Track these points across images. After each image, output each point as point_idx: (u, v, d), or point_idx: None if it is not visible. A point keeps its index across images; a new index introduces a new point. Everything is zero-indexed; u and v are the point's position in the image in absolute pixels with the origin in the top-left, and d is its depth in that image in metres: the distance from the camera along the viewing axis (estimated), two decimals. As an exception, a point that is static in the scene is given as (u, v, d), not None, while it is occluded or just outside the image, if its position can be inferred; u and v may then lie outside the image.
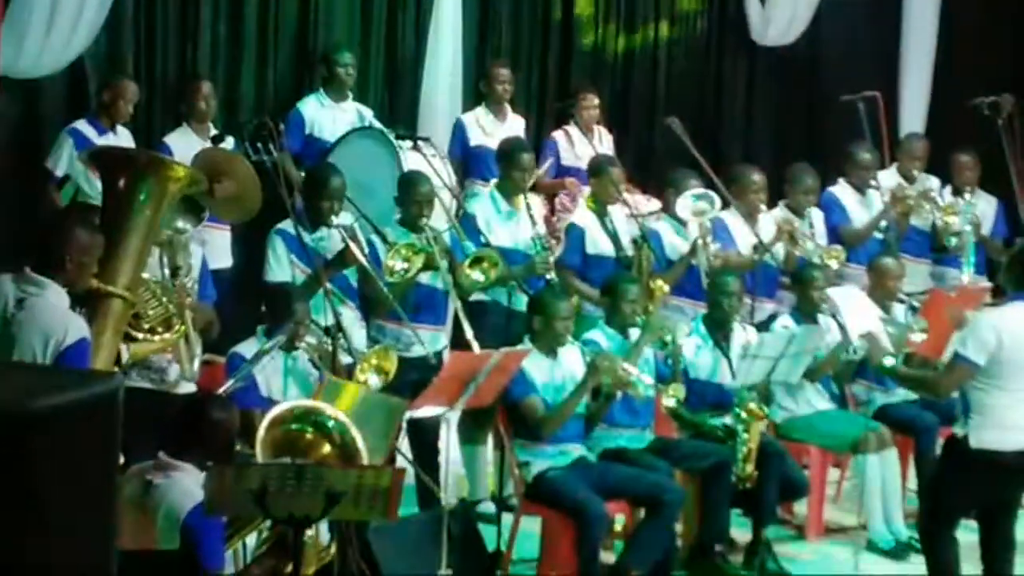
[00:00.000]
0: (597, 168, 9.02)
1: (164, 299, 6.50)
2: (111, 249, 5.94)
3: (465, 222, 8.37)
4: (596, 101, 10.21)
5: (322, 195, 7.64)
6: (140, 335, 6.37)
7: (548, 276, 8.38)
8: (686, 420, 8.10)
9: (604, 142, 10.22)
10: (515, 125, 9.99)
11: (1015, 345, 6.51)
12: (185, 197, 6.59)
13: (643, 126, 11.72)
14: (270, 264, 7.60)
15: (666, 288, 8.38)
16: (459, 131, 9.89)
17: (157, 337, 6.48)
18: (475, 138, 9.82)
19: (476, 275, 7.91)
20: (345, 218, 7.72)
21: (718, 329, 8.24)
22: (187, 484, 5.50)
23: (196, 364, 6.76)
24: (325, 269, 7.42)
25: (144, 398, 6.63)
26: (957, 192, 10.24)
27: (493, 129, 9.81)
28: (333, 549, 5.97)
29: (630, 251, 8.79)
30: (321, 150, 9.06)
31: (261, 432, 5.56)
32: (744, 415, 7.83)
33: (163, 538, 5.49)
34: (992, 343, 6.49)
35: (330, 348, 7.10)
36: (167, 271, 6.59)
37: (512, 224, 8.56)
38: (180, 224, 6.72)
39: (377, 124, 9.41)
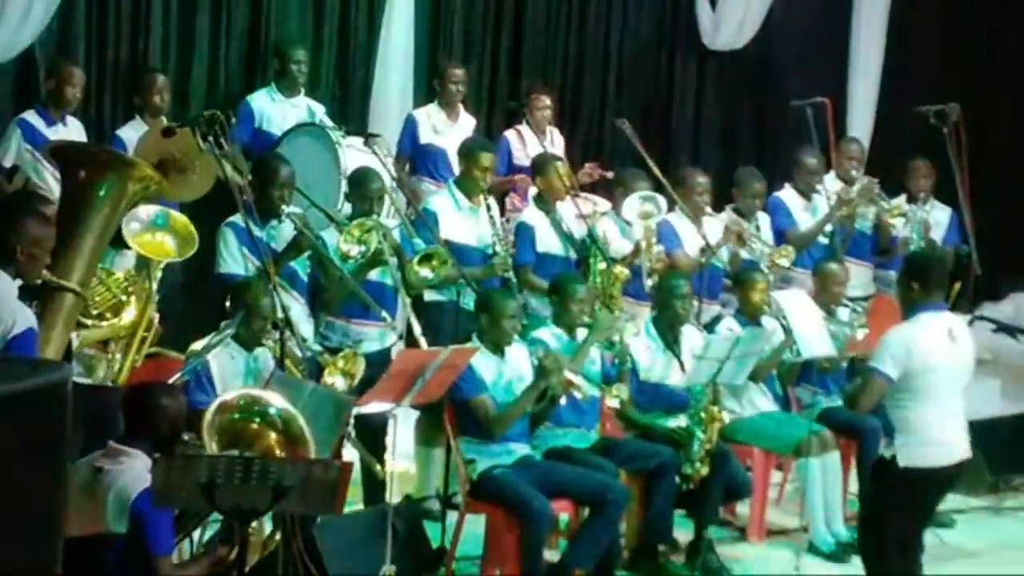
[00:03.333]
0: (542, 165, 9.06)
1: (111, 285, 6.49)
2: (67, 243, 5.94)
3: (423, 220, 8.38)
4: (548, 102, 10.22)
5: (271, 184, 7.63)
6: (89, 321, 6.36)
7: (506, 275, 8.44)
8: (634, 421, 8.13)
9: (556, 143, 10.23)
10: (466, 125, 9.99)
11: (927, 358, 6.52)
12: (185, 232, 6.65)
13: (593, 127, 11.76)
14: (223, 257, 7.58)
15: (627, 273, 8.42)
16: (410, 127, 9.88)
17: (105, 323, 6.48)
18: (425, 136, 9.82)
19: (425, 272, 7.93)
20: (295, 208, 7.72)
21: (668, 331, 8.29)
22: (136, 469, 5.51)
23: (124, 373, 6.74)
24: (280, 257, 7.43)
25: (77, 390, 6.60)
26: (912, 199, 10.33)
27: (444, 128, 9.81)
28: (278, 537, 5.98)
29: (580, 249, 8.84)
30: (268, 144, 9.04)
31: (208, 416, 5.59)
32: (703, 416, 7.87)
33: (111, 523, 5.49)
34: (902, 358, 6.49)
35: (291, 346, 7.10)
36: (153, 286, 6.59)
37: (472, 221, 8.59)
38: (160, 236, 6.71)
39: (327, 121, 9.40)
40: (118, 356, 6.65)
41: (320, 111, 9.43)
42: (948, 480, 6.74)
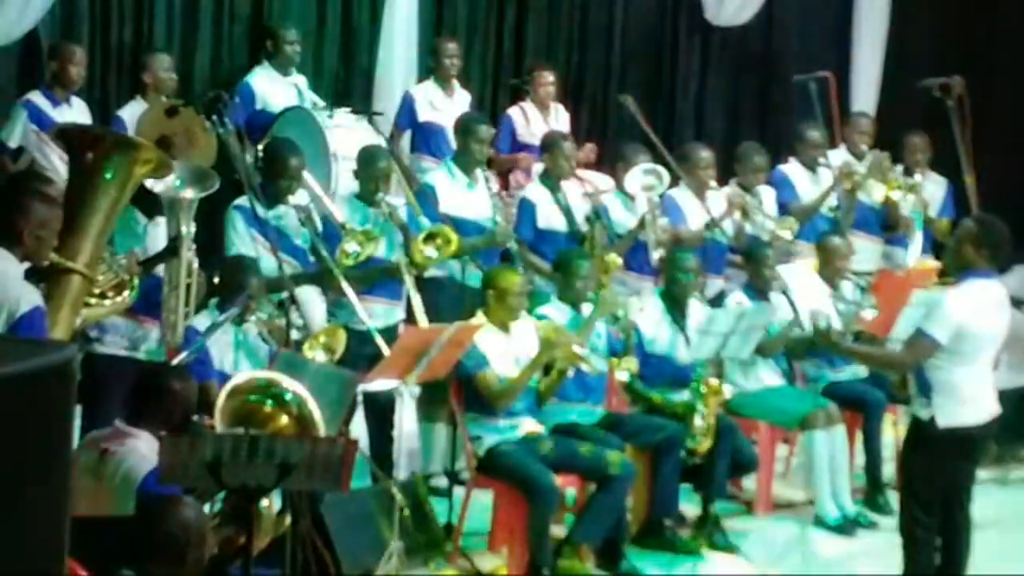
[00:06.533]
0: (549, 143, 9.08)
1: (113, 265, 6.52)
2: (74, 226, 5.95)
3: (422, 195, 8.41)
4: (552, 79, 10.24)
5: (280, 173, 7.67)
6: (92, 300, 6.39)
7: (509, 245, 8.46)
8: (641, 394, 8.15)
9: (560, 119, 10.25)
10: (462, 100, 10.00)
11: (977, 323, 6.57)
12: (196, 167, 6.65)
13: (597, 103, 11.77)
14: (231, 240, 7.60)
15: (619, 261, 8.44)
16: (407, 104, 9.87)
17: (108, 301, 6.51)
18: (423, 113, 9.81)
19: (430, 251, 7.95)
20: (301, 196, 7.76)
21: (675, 305, 8.30)
22: (143, 451, 5.54)
23: (180, 332, 6.81)
24: (297, 279, 7.50)
25: (121, 364, 6.71)
26: (908, 172, 10.34)
27: (442, 104, 9.82)
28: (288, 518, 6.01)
29: (583, 227, 8.86)
30: (266, 124, 9.05)
31: (220, 401, 5.60)
32: (703, 390, 7.90)
33: (118, 505, 5.52)
34: (955, 322, 6.52)
35: (281, 322, 7.13)
36: (183, 229, 6.62)
37: (471, 195, 8.60)
38: (188, 193, 6.73)
39: (313, 96, 9.42)
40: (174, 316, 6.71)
41: (303, 84, 9.44)
42: (982, 438, 6.80)
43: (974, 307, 6.58)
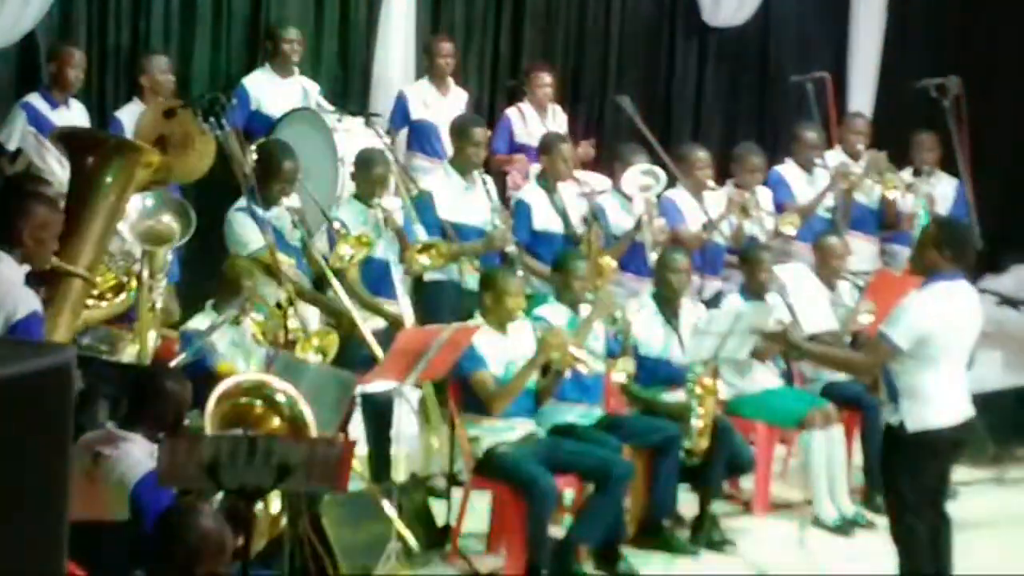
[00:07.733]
0: (547, 145, 9.09)
1: (113, 267, 6.54)
2: (75, 229, 5.97)
3: (420, 201, 8.41)
4: (549, 79, 10.23)
5: (274, 177, 7.69)
6: (91, 301, 6.41)
7: (508, 249, 8.47)
8: (637, 396, 8.16)
9: (558, 120, 10.25)
10: (457, 98, 10.00)
11: (943, 326, 6.52)
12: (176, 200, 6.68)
13: (594, 104, 11.76)
14: (242, 239, 7.58)
15: (614, 265, 8.45)
16: (401, 103, 9.86)
17: (106, 303, 6.53)
18: (417, 112, 9.80)
19: (424, 260, 7.99)
20: (294, 200, 7.76)
21: (667, 306, 8.31)
22: (137, 454, 5.53)
23: (151, 347, 6.82)
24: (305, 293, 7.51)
25: (103, 367, 6.70)
26: (917, 172, 10.34)
27: (435, 102, 9.83)
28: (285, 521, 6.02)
29: (579, 228, 8.86)
30: (266, 126, 9.06)
31: (210, 406, 5.61)
32: (698, 390, 7.90)
33: (113, 508, 5.52)
34: (916, 328, 6.48)
35: (285, 325, 7.15)
36: (145, 273, 6.66)
37: (468, 198, 8.61)
38: (166, 219, 6.76)
39: (323, 101, 9.41)
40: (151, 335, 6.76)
41: (315, 90, 9.44)
42: (956, 441, 6.74)
43: (938, 310, 6.52)
